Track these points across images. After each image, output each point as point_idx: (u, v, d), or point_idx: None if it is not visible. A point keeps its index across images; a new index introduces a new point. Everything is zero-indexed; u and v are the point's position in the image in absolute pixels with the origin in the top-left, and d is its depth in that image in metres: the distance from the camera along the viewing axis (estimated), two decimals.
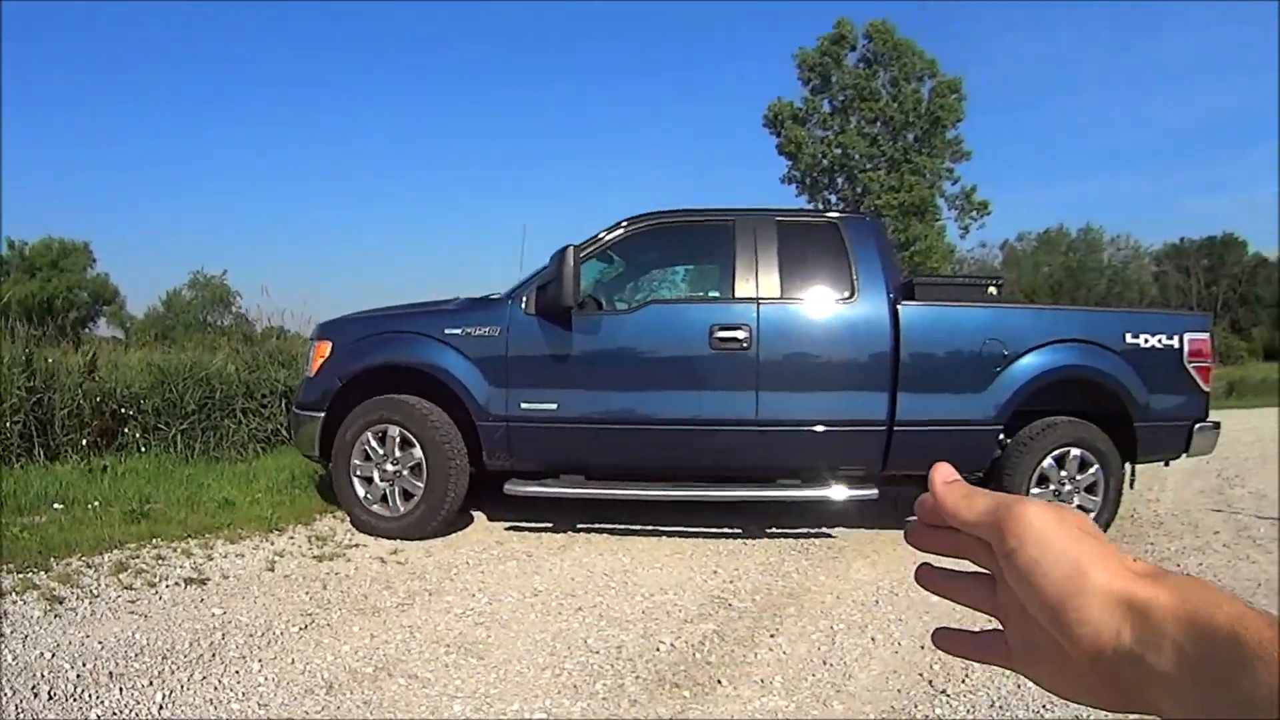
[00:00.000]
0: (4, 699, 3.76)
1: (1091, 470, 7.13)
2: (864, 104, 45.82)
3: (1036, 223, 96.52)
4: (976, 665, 4.46)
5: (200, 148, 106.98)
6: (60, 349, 12.81)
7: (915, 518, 0.75)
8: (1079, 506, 6.97)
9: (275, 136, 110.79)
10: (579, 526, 7.58)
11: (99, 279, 62.91)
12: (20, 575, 5.38)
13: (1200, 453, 7.60)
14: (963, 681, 4.50)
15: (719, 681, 4.45)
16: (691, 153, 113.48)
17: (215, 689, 4.01)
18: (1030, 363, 7.04)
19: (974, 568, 0.69)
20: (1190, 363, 7.25)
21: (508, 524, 7.62)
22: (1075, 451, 7.13)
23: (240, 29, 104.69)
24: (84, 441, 9.25)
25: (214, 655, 4.40)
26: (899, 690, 4.42)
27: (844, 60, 45.96)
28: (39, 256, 59.66)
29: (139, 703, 3.83)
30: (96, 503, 7.14)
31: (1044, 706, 4.19)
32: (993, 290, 8.08)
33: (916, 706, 4.23)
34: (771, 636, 5.15)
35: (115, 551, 6.05)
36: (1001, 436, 7.21)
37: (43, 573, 5.48)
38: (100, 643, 4.48)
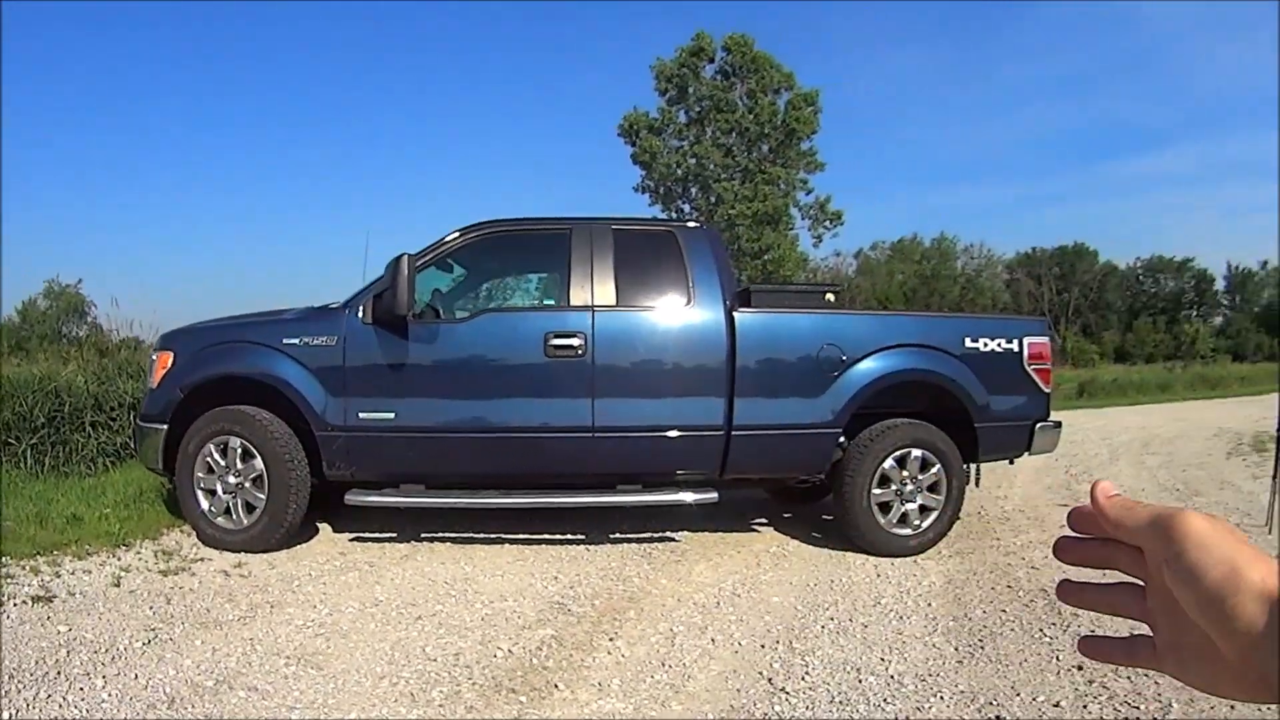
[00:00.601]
0: None
1: (934, 470, 7.31)
2: (720, 115, 46.02)
3: (891, 233, 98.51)
4: (815, 663, 4.77)
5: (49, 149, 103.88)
6: None
7: (1063, 536, 0.85)
8: (921, 506, 7.32)
9: (126, 137, 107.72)
10: (423, 536, 7.70)
11: None
12: None
13: (1043, 450, 7.83)
14: (802, 679, 4.72)
15: (556, 686, 4.64)
16: (545, 161, 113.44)
17: (60, 706, 4.12)
18: (868, 367, 7.23)
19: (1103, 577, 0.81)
20: (1030, 365, 7.50)
21: (352, 535, 7.72)
22: (916, 452, 7.29)
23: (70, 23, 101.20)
24: None
25: (59, 673, 4.49)
26: (738, 689, 4.62)
27: (702, 72, 46.19)
28: None
29: None
30: None
31: (884, 700, 4.44)
32: (830, 297, 8.32)
33: (756, 705, 4.42)
34: (610, 640, 5.34)
35: None
36: (842, 439, 7.34)
37: None
38: None
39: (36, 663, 4.62)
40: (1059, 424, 7.86)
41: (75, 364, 12.20)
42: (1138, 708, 4.30)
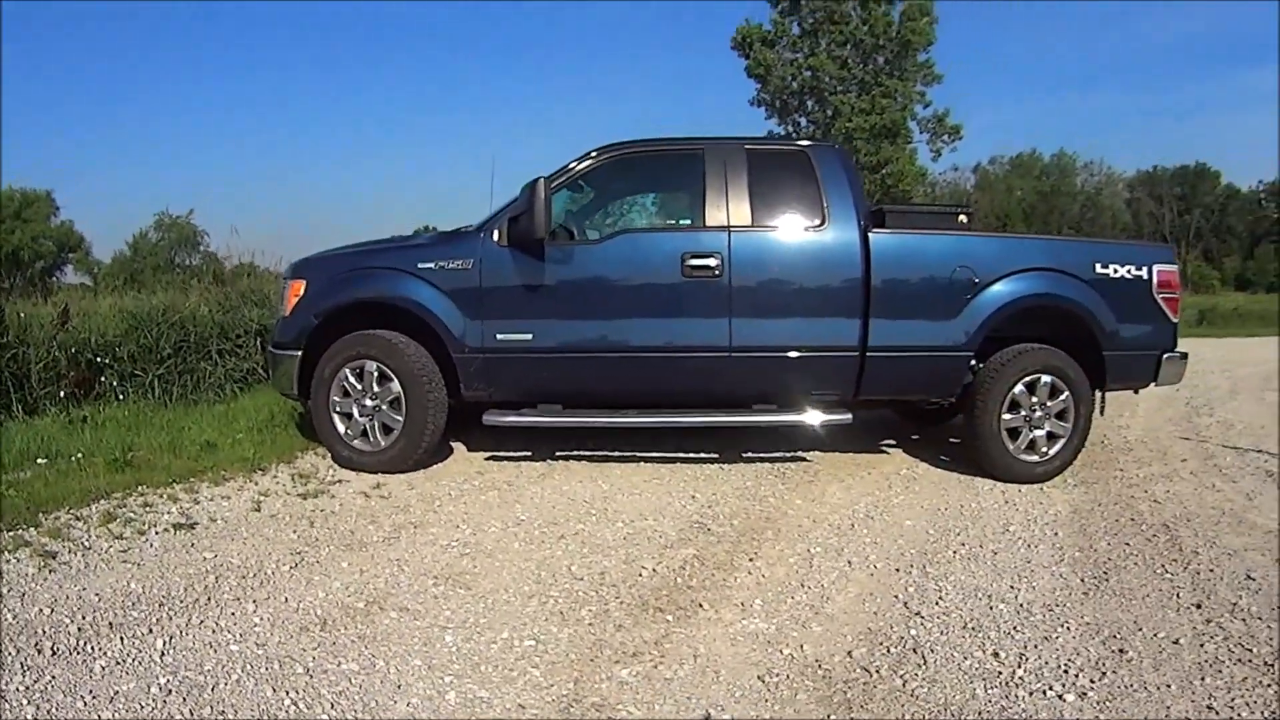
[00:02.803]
0: (8, 657, 3.81)
1: (1062, 397, 7.23)
2: (834, 26, 45.51)
3: (1010, 147, 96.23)
4: (949, 588, 4.80)
5: (158, 86, 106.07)
6: (31, 301, 12.79)
7: None
8: (1049, 433, 7.25)
9: (236, 70, 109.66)
10: (558, 454, 7.72)
11: (63, 227, 62.18)
12: (11, 533, 5.39)
13: (1169, 382, 7.75)
14: (936, 604, 4.70)
15: (700, 605, 4.62)
16: (662, 76, 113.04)
17: (213, 632, 4.11)
18: (1001, 290, 7.13)
19: None
20: (1159, 293, 7.37)
21: (487, 454, 7.74)
22: (1046, 378, 7.22)
23: None
24: (61, 393, 9.24)
25: (209, 599, 4.49)
26: (875, 612, 4.60)
27: None
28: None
29: (141, 650, 3.91)
30: (80, 455, 7.11)
31: (1014, 628, 4.40)
32: (963, 219, 8.14)
33: (893, 628, 4.39)
34: (750, 560, 5.32)
35: (102, 502, 6.04)
36: (974, 362, 7.31)
37: (32, 529, 5.48)
38: (97, 594, 4.53)
39: (186, 589, 4.61)
40: (1185, 355, 7.74)
41: (197, 294, 12.38)
42: (1250, 650, 4.22)
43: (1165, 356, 7.48)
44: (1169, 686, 3.83)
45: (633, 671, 3.86)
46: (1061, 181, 76.97)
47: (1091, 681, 3.86)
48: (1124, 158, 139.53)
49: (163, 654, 3.89)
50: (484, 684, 3.70)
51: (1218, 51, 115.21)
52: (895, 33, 44.75)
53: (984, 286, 7.10)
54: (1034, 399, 7.23)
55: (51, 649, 3.92)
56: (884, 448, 8.48)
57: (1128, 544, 5.77)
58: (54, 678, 3.66)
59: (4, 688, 3.56)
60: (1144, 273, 7.31)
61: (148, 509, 6.00)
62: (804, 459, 7.83)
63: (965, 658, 4.10)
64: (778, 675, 3.86)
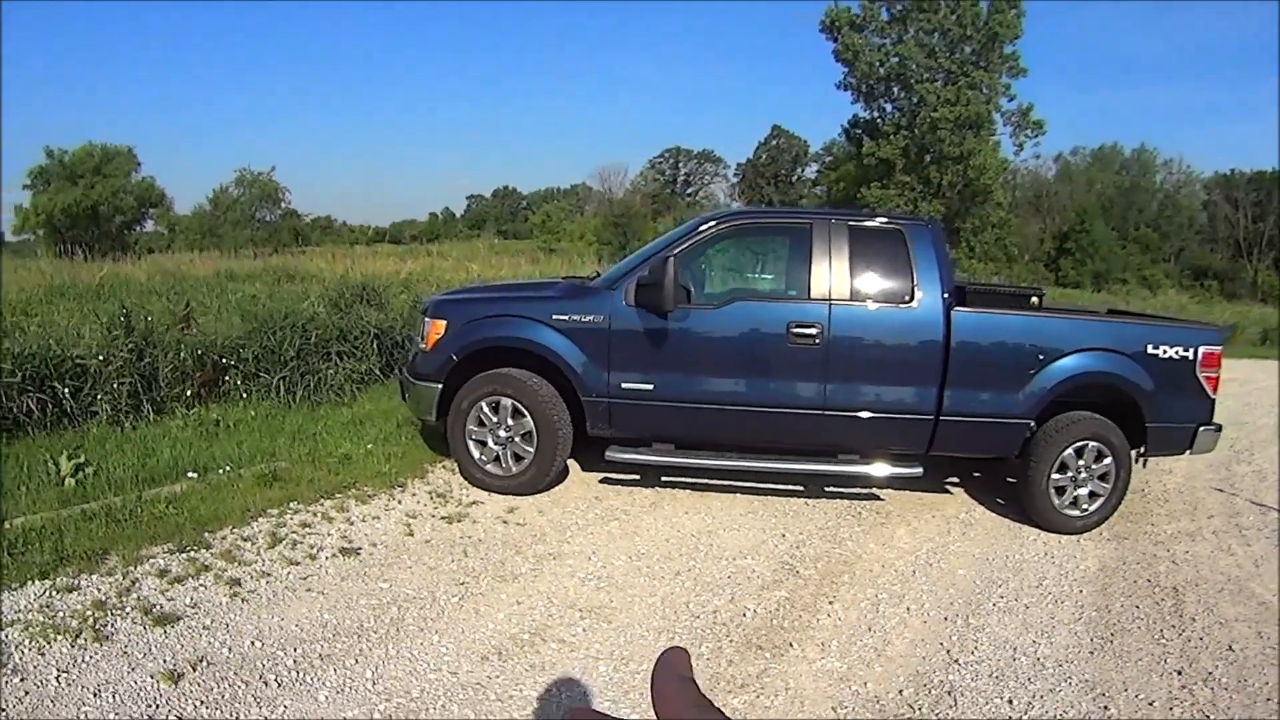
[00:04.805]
0: (239, 691, 4.49)
1: (1106, 461, 7.92)
2: (922, 14, 45.75)
3: (1090, 139, 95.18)
4: (984, 640, 5.69)
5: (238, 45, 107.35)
6: (112, 258, 13.43)
7: None
8: (1090, 492, 7.98)
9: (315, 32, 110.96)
10: (664, 481, 8.51)
11: (144, 183, 62.52)
12: (184, 555, 6.00)
13: (1203, 450, 8.25)
14: (972, 653, 5.56)
15: (790, 644, 5.49)
16: (748, 59, 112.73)
17: (410, 660, 4.88)
18: (1062, 365, 7.76)
19: None
20: (1202, 371, 7.91)
21: (600, 476, 8.56)
22: (1093, 444, 7.88)
23: None
24: (188, 393, 9.94)
25: (398, 630, 5.25)
26: (924, 657, 5.47)
27: None
28: (80, 164, 59.13)
29: (354, 680, 4.65)
30: (227, 467, 7.76)
31: (1028, 680, 5.25)
32: (1034, 300, 8.84)
33: (935, 672, 5.28)
34: (829, 603, 6.16)
35: (261, 520, 6.78)
36: (1032, 424, 7.91)
37: (204, 550, 6.11)
38: (296, 625, 5.22)
39: (375, 620, 5.36)
40: (1220, 427, 8.22)
41: (314, 293, 13.12)
42: (1209, 717, 4.97)
43: (1201, 429, 8.05)
44: None
45: (741, 700, 4.76)
46: (1141, 178, 76.47)
47: None
48: (1203, 158, 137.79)
49: (373, 682, 4.64)
50: (634, 709, 4.50)
51: None
52: (983, 23, 44.92)
53: (1049, 362, 7.74)
54: (1081, 461, 7.91)
55: (276, 681, 4.60)
56: (948, 486, 9.19)
57: (1138, 606, 6.49)
58: (286, 708, 4.37)
59: (243, 718, 4.29)
60: (1190, 353, 7.87)
61: (307, 529, 6.73)
62: (878, 499, 8.62)
63: (986, 702, 4.98)
64: (846, 707, 4.79)
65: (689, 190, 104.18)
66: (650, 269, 7.61)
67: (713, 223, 8.15)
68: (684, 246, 7.92)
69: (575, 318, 7.80)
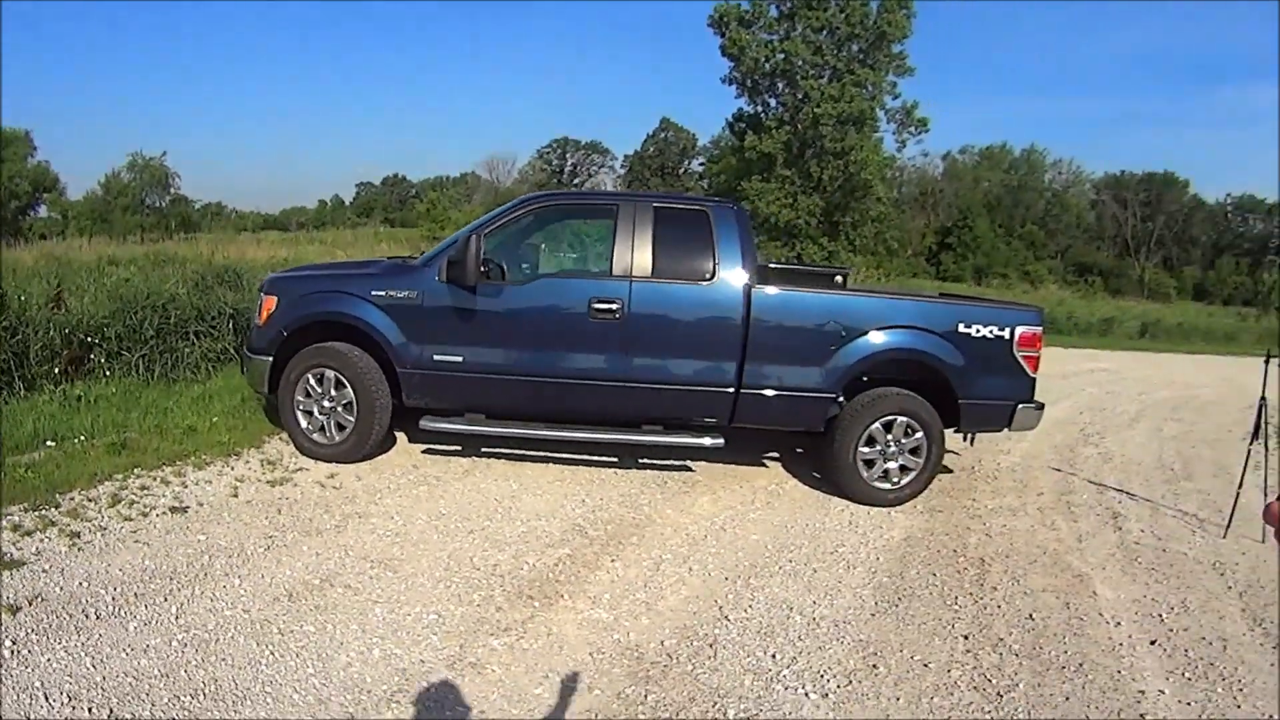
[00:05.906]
0: (64, 622, 5.13)
1: (916, 436, 8.25)
2: (811, 12, 46.12)
3: (981, 139, 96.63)
4: (760, 598, 6.15)
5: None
6: (4, 244, 13.76)
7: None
8: (901, 466, 8.35)
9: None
10: (483, 451, 9.15)
11: (39, 167, 61.42)
12: (36, 513, 6.61)
13: (1023, 428, 8.62)
14: (745, 610, 5.95)
15: (561, 596, 6.00)
16: (632, 50, 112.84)
17: (211, 600, 5.53)
18: (864, 342, 8.12)
19: None
20: (1019, 351, 8.23)
21: (424, 446, 9.19)
22: (902, 419, 8.22)
23: None
24: (56, 370, 10.27)
25: (205, 574, 5.89)
26: (694, 612, 5.87)
27: None
28: None
29: (161, 615, 5.28)
30: (82, 437, 8.33)
31: (799, 636, 5.60)
32: (838, 280, 9.39)
33: (701, 626, 5.65)
34: (612, 561, 6.65)
35: (107, 484, 7.35)
36: (841, 398, 8.30)
37: (54, 509, 6.72)
38: (120, 570, 5.82)
39: (187, 566, 6.00)
40: (1041, 405, 8.56)
41: (174, 275, 13.53)
42: (990, 680, 5.20)
43: (1020, 406, 8.38)
44: (898, 700, 4.89)
45: (502, 641, 5.31)
46: (1029, 177, 77.85)
47: (838, 687, 4.97)
48: (1095, 161, 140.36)
49: (177, 617, 5.29)
50: (399, 645, 5.16)
51: (1198, 65, 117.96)
52: (872, 23, 45.65)
53: (850, 339, 8.11)
54: (889, 436, 8.28)
55: (95, 614, 5.21)
56: (765, 460, 9.80)
57: (934, 574, 6.79)
58: (101, 635, 5.00)
59: (64, 643, 4.94)
60: (1005, 333, 8.20)
61: (145, 492, 7.33)
62: (689, 469, 9.16)
63: (748, 655, 5.29)
64: (604, 653, 5.24)
65: (575, 181, 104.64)
66: (456, 247, 8.19)
67: (527, 204, 8.80)
68: (494, 226, 8.56)
69: (392, 293, 8.37)
